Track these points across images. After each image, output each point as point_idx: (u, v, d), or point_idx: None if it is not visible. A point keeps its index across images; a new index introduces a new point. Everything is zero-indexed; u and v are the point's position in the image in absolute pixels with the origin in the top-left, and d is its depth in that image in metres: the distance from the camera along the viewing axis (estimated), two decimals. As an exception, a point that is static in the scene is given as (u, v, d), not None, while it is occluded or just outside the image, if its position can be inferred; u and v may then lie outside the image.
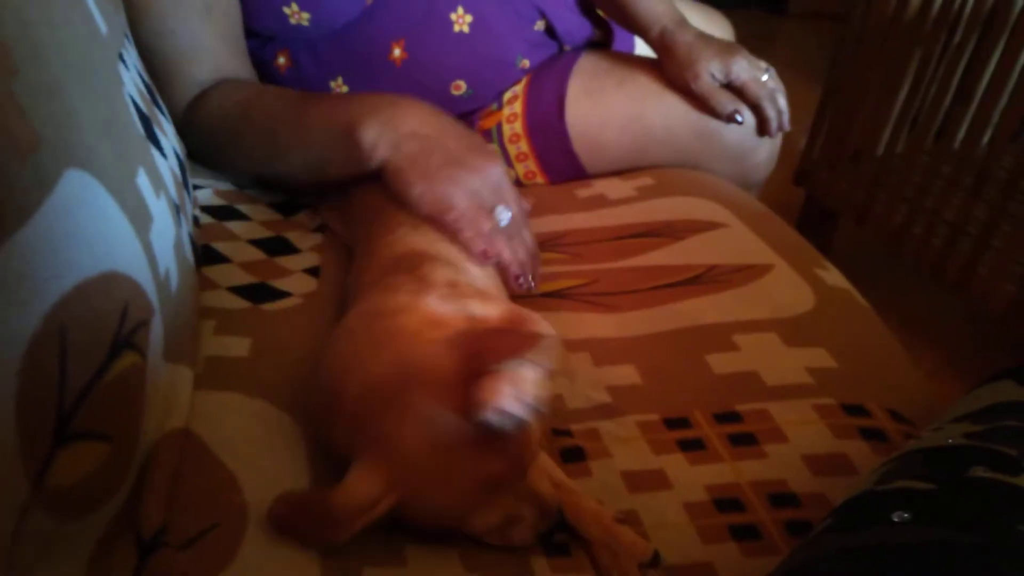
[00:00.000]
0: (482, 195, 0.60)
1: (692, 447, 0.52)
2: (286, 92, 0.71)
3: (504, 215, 0.61)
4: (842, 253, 1.52)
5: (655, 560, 0.44)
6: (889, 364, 0.61)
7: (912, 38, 1.26)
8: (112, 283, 0.38)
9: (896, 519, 0.29)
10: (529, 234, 0.65)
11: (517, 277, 0.61)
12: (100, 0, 0.49)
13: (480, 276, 0.58)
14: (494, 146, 0.89)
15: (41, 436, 0.32)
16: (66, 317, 0.34)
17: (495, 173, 0.61)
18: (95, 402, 0.36)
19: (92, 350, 0.36)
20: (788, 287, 0.67)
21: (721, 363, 0.59)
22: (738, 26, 1.26)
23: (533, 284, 0.63)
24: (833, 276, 0.70)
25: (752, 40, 0.99)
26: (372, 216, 0.63)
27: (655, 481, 0.50)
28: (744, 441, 0.53)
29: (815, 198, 1.51)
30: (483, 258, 0.59)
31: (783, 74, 0.85)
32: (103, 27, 0.48)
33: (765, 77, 0.81)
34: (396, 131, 0.60)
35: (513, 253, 0.61)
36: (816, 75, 1.84)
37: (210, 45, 0.71)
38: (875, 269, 1.49)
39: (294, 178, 0.71)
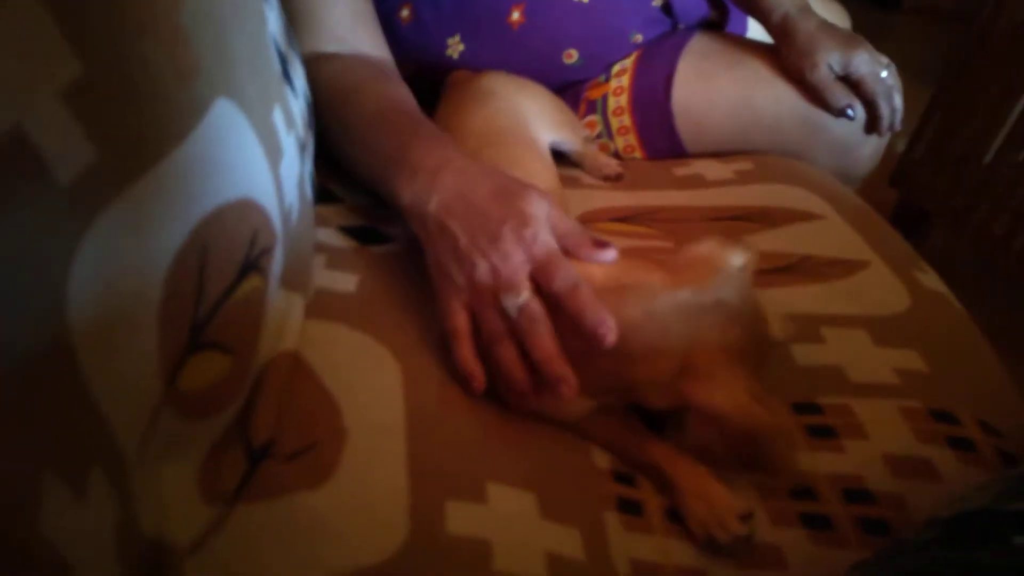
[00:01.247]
0: (496, 276, 0.48)
1: (771, 433, 0.51)
2: (379, 100, 0.64)
3: (511, 303, 0.47)
4: (932, 259, 1.44)
5: (750, 515, 0.44)
6: (983, 374, 0.58)
7: (1039, 46, 1.17)
8: (247, 209, 0.40)
9: (1017, 543, 0.27)
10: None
11: (519, 393, 0.48)
12: (250, -60, 0.50)
13: None
14: (597, 121, 0.87)
15: (177, 342, 0.34)
16: (208, 236, 0.35)
17: (522, 233, 0.48)
18: (223, 317, 0.37)
19: (225, 269, 0.37)
20: (883, 285, 0.64)
21: (806, 354, 0.57)
22: (849, 19, 1.20)
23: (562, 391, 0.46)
24: (931, 279, 0.66)
25: (861, 34, 0.93)
26: None
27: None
28: (823, 433, 0.51)
29: (909, 201, 1.43)
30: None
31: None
32: (252, -33, 0.49)
33: (884, 73, 0.77)
34: (424, 206, 0.52)
35: (517, 362, 0.48)
36: (923, 74, 1.72)
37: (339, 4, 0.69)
38: (965, 280, 1.40)
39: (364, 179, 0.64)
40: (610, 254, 0.50)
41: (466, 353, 0.49)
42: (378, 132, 0.60)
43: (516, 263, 0.47)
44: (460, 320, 0.49)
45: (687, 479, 0.46)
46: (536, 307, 0.47)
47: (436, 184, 0.52)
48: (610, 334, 0.44)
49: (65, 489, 0.26)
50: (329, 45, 0.69)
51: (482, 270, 0.48)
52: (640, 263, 0.50)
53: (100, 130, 0.29)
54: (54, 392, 0.26)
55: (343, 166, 0.66)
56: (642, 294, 0.45)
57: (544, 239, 0.48)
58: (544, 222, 0.49)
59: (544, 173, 0.64)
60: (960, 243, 1.31)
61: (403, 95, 0.66)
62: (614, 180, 0.82)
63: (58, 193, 0.27)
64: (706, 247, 0.48)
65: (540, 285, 0.47)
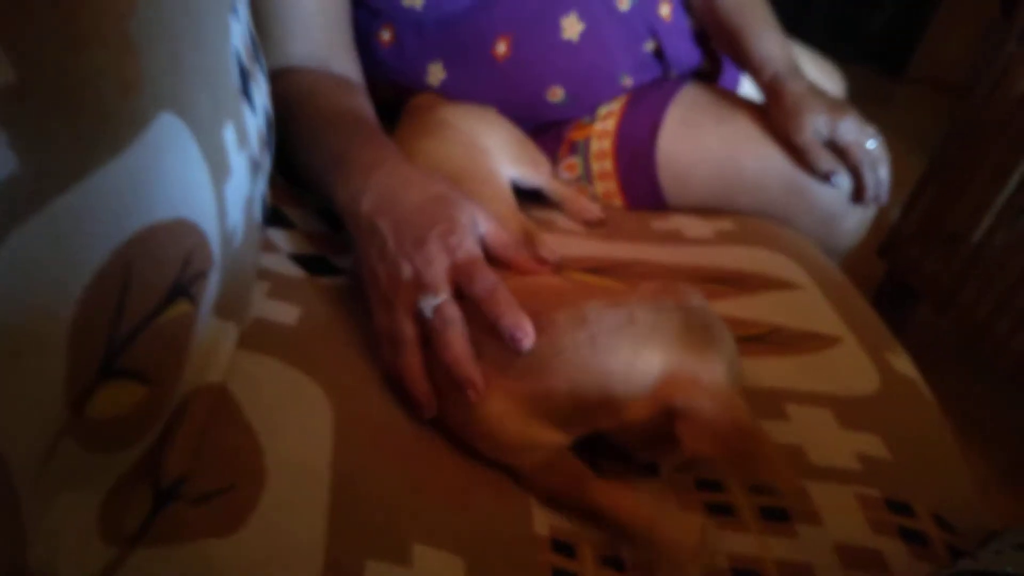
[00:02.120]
0: (418, 278, 0.50)
1: (720, 511, 0.51)
2: (333, 104, 0.67)
3: (427, 304, 0.49)
4: (914, 336, 1.47)
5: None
6: (945, 468, 0.58)
7: (1036, 127, 1.21)
8: (182, 230, 0.39)
9: None
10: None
11: (419, 407, 0.50)
12: (223, -51, 0.51)
13: None
14: (577, 163, 0.88)
15: (87, 367, 0.33)
16: (133, 256, 0.35)
17: (442, 242, 0.51)
18: (143, 344, 0.37)
19: (150, 292, 0.37)
20: (853, 365, 0.65)
21: (768, 430, 0.57)
22: (851, 83, 1.24)
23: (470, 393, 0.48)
24: (902, 363, 0.68)
25: (863, 100, 0.96)
26: None
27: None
28: (776, 516, 0.51)
29: (896, 274, 1.46)
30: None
31: (889, 140, 0.83)
32: (222, -24, 0.50)
33: (871, 144, 0.79)
34: (357, 205, 0.55)
35: (418, 371, 0.50)
36: (923, 145, 1.78)
37: (311, 22, 0.70)
38: (946, 358, 1.44)
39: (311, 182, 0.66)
40: (546, 269, 0.54)
41: (387, 354, 0.52)
42: (325, 134, 0.62)
43: (438, 268, 0.50)
44: (384, 323, 0.52)
45: (632, 520, 0.47)
46: (452, 310, 0.49)
47: (369, 182, 0.55)
48: (526, 339, 0.46)
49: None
50: (300, 60, 0.70)
51: (405, 273, 0.51)
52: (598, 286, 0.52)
53: (26, 140, 0.29)
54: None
55: (295, 170, 0.68)
56: (613, 303, 0.46)
57: (468, 246, 0.51)
58: (471, 230, 0.52)
59: (499, 208, 0.65)
60: (943, 322, 1.34)
61: (359, 104, 0.68)
62: (595, 226, 0.83)
63: (-33, 203, 0.26)
64: (657, 281, 0.51)
65: (461, 288, 0.50)
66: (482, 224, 0.54)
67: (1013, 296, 1.20)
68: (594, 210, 0.84)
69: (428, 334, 0.50)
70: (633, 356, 0.45)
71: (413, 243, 0.51)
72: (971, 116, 1.31)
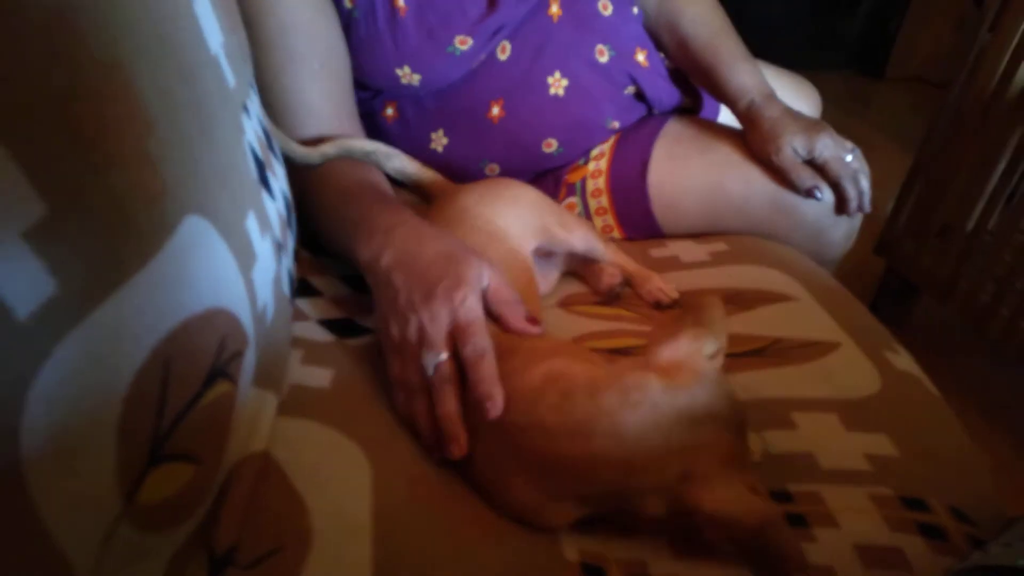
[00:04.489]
0: (422, 334, 0.52)
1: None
2: (350, 177, 0.69)
3: (429, 362, 0.51)
4: (922, 328, 1.44)
5: None
6: (956, 459, 0.57)
7: (1013, 115, 1.20)
8: (215, 318, 0.41)
9: None
10: (482, 376, 0.49)
11: (429, 448, 0.52)
12: (231, 53, 0.52)
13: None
14: (576, 203, 0.89)
15: (137, 457, 0.34)
16: (171, 350, 0.36)
17: (449, 305, 0.51)
18: (188, 427, 0.38)
19: (190, 379, 0.38)
20: (853, 368, 0.64)
21: (777, 440, 0.57)
22: (833, 88, 1.23)
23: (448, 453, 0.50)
24: (903, 360, 0.67)
25: (846, 102, 0.95)
26: None
27: (700, 547, 0.49)
28: (794, 522, 0.51)
29: (895, 270, 1.44)
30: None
31: (875, 138, 0.82)
32: (231, 80, 0.51)
33: (849, 157, 0.79)
34: (377, 262, 0.56)
35: (426, 417, 0.52)
36: (909, 141, 1.76)
37: (316, 105, 0.71)
38: (956, 347, 1.40)
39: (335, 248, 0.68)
40: (535, 331, 0.55)
41: (400, 400, 0.54)
42: (346, 205, 0.64)
43: (441, 324, 0.51)
44: (396, 372, 0.54)
45: None
46: (449, 369, 0.51)
47: (389, 241, 0.57)
48: (494, 409, 0.48)
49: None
50: (309, 132, 0.72)
51: (412, 327, 0.52)
52: (625, 361, 0.50)
53: (61, 263, 0.30)
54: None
55: (319, 238, 0.70)
56: (645, 400, 0.45)
57: (471, 304, 0.52)
58: (476, 287, 0.53)
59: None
60: (949, 311, 1.31)
61: (374, 176, 0.71)
62: (668, 308, 0.75)
63: (16, 329, 0.28)
64: (683, 347, 0.48)
65: (456, 347, 0.51)
66: (487, 278, 0.54)
67: (1013, 279, 1.18)
68: (668, 291, 0.75)
69: (429, 387, 0.52)
70: (659, 465, 0.44)
71: (422, 297, 0.52)
72: (952, 107, 1.29)
